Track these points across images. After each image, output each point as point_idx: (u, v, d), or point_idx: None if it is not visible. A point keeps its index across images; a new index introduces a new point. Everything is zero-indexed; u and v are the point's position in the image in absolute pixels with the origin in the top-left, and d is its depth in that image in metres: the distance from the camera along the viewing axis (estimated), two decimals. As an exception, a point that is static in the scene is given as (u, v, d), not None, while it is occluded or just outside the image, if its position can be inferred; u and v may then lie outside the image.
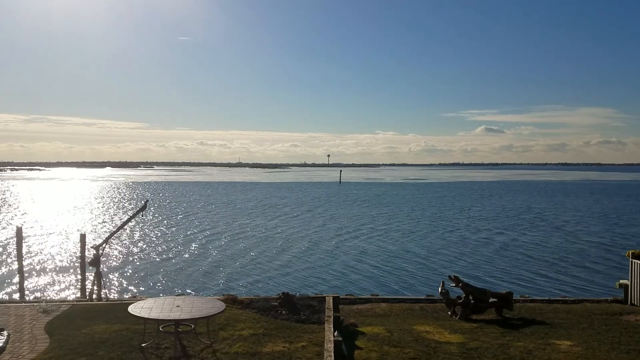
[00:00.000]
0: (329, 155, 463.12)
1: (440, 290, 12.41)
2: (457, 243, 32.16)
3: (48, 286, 20.93)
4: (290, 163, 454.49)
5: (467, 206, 59.61)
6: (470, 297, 11.98)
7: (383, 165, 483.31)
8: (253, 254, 28.12)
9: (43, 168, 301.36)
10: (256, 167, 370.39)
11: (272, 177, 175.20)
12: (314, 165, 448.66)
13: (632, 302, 12.99)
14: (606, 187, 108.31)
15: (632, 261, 13.06)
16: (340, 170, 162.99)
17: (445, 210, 54.71)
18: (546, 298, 14.62)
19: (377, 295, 14.98)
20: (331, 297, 12.19)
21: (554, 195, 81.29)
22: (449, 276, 12.56)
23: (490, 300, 12.09)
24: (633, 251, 13.37)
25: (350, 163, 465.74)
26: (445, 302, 12.35)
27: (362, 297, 14.34)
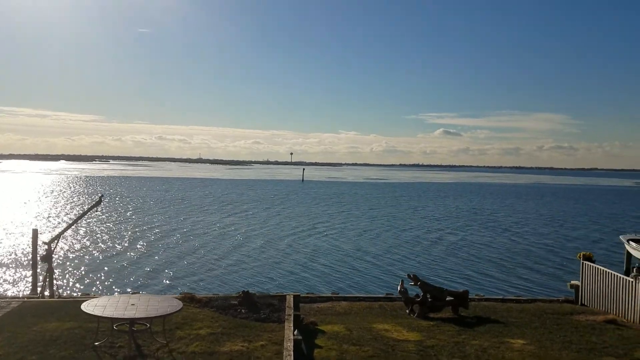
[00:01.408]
0: (291, 154, 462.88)
1: (399, 288, 12.55)
2: (415, 242, 32.70)
3: (-4, 283, 20.03)
4: (253, 160, 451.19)
5: (425, 207, 60.70)
6: (428, 296, 12.17)
7: (345, 164, 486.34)
8: (212, 252, 27.76)
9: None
10: (217, 163, 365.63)
11: (234, 174, 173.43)
12: (276, 163, 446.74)
13: (583, 302, 13.49)
14: (558, 190, 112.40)
15: (582, 263, 13.57)
16: (303, 169, 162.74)
17: (404, 210, 55.53)
18: (500, 297, 15.02)
19: (338, 293, 15.03)
20: (292, 296, 12.14)
21: (507, 197, 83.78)
22: (408, 275, 12.72)
23: (447, 298, 12.31)
24: (584, 253, 13.90)
25: (313, 162, 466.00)
26: (403, 301, 12.50)
27: (323, 295, 14.36)
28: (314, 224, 40.62)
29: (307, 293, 15.02)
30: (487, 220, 46.84)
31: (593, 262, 13.42)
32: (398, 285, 12.73)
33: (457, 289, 14.05)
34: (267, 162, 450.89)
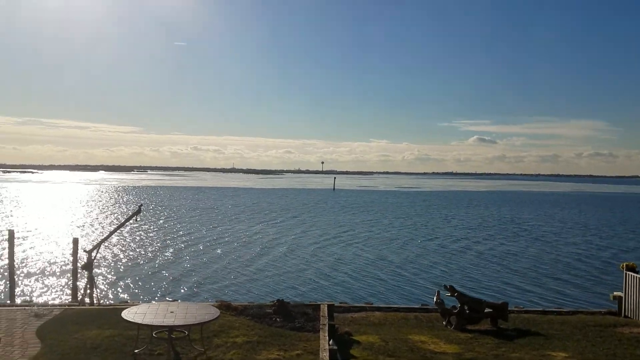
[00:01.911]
0: (322, 163, 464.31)
1: (435, 299, 12.37)
2: (449, 252, 32.20)
3: (40, 290, 20.73)
4: (284, 169, 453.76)
5: (459, 215, 59.77)
6: (466, 307, 11.95)
7: (377, 173, 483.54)
8: (244, 260, 28.01)
9: (36, 171, 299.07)
10: (250, 172, 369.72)
11: (266, 183, 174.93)
12: (307, 172, 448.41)
13: (626, 314, 13.01)
14: (597, 199, 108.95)
15: (626, 273, 13.11)
16: (334, 178, 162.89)
17: (437, 219, 54.82)
18: (540, 309, 14.62)
19: (372, 303, 14.92)
20: (326, 305, 12.13)
21: (545, 206, 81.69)
22: (445, 286, 12.54)
23: (485, 310, 12.07)
24: (627, 263, 13.42)
25: (344, 170, 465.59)
26: (440, 312, 12.31)
27: (357, 305, 14.28)
28: (344, 233, 40.56)
29: (341, 303, 14.96)
30: (524, 230, 45.77)
31: (637, 272, 12.95)
32: (434, 296, 12.56)
33: (495, 301, 13.76)
34: (299, 171, 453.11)
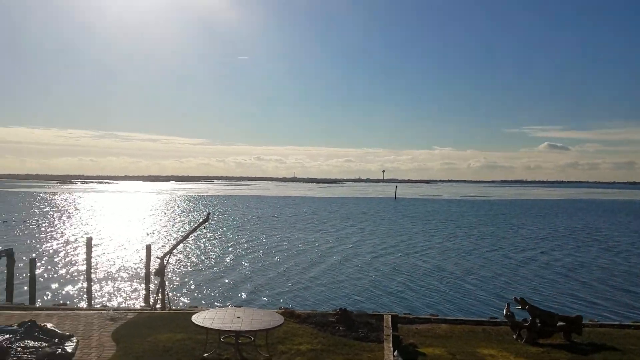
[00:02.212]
0: (384, 171, 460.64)
1: (505, 312, 11.93)
2: (518, 263, 30.95)
3: (115, 294, 21.87)
4: (345, 178, 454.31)
5: (529, 225, 57.35)
6: (537, 320, 11.44)
7: (440, 181, 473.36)
8: (306, 268, 28.24)
9: (111, 181, 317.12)
10: (311, 182, 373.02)
11: (326, 192, 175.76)
12: (368, 180, 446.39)
13: None
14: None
15: None
16: (396, 186, 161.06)
17: (505, 228, 52.88)
18: (617, 322, 13.75)
19: (437, 315, 14.59)
20: (389, 316, 11.99)
21: (621, 215, 76.81)
22: (515, 298, 12.06)
23: (558, 324, 11.50)
24: None
25: (406, 179, 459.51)
26: (510, 325, 11.85)
27: (421, 316, 14.01)
28: (404, 242, 40.03)
29: (405, 314, 14.75)
30: (599, 240, 43.25)
31: None
32: (504, 309, 12.11)
33: (568, 314, 13.08)
34: (359, 180, 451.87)
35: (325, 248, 36.19)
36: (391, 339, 10.22)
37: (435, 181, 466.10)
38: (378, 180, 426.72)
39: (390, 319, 11.69)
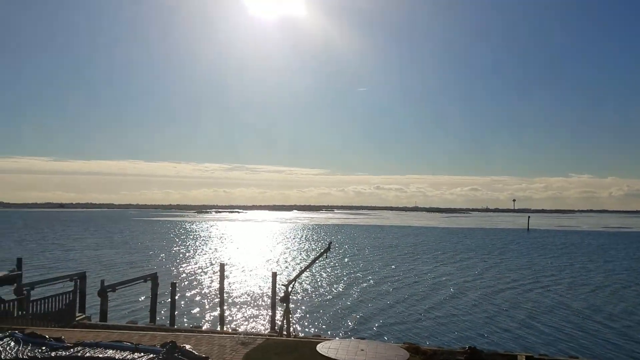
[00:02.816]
0: (514, 200, 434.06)
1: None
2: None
3: (244, 319, 22.95)
4: (470, 208, 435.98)
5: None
6: None
7: (578, 211, 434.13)
8: (429, 300, 27.32)
9: (241, 210, 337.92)
10: (433, 211, 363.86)
11: (450, 222, 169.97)
12: (497, 210, 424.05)
13: None
14: None
15: None
16: (529, 217, 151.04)
17: (659, 265, 46.74)
18: None
19: (577, 357, 13.23)
20: (524, 356, 11.10)
21: None
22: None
23: None
24: None
25: (540, 209, 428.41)
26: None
27: (560, 358, 12.79)
28: (538, 277, 37.06)
29: (541, 354, 13.56)
30: None
31: None
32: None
33: None
34: (487, 210, 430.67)
35: (448, 281, 34.81)
36: (526, 383, 9.44)
37: (573, 211, 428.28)
38: (508, 210, 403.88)
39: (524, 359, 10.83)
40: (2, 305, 13.48)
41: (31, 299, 14.06)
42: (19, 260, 25.61)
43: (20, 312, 13.27)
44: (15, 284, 18.75)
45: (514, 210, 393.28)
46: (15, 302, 13.70)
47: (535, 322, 22.71)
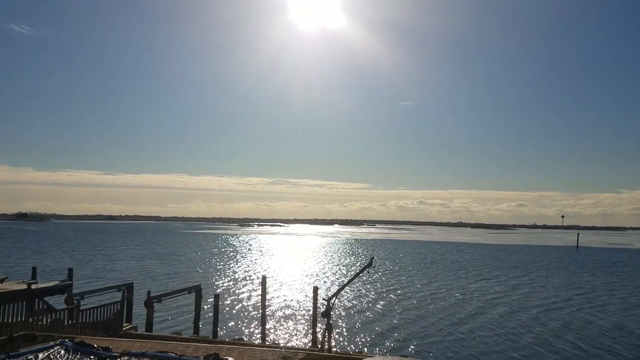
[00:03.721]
0: (563, 217, 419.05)
1: None
2: None
3: (285, 332, 22.96)
4: (517, 224, 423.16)
5: None
6: None
7: (631, 229, 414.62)
8: (477, 319, 26.52)
9: (283, 224, 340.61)
10: (478, 227, 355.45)
11: (496, 238, 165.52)
12: (545, 227, 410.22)
13: None
14: None
15: None
16: (578, 234, 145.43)
17: None
18: None
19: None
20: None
21: None
22: None
23: None
24: None
25: (590, 225, 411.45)
26: None
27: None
28: (579, 296, 35.98)
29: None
30: None
31: None
32: None
33: None
34: (534, 226, 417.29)
35: (492, 298, 33.82)
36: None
37: (625, 228, 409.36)
38: (556, 227, 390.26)
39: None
40: (53, 315, 14.01)
41: (81, 308, 14.54)
42: (70, 271, 26.58)
43: (70, 321, 13.73)
44: (66, 294, 19.44)
45: (562, 227, 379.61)
46: (66, 312, 14.19)
47: (566, 343, 21.84)
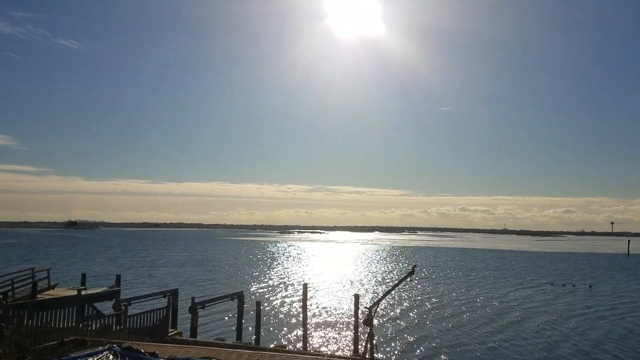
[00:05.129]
0: (612, 223, 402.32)
1: None
2: None
3: (327, 340, 22.86)
4: (564, 231, 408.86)
5: None
6: None
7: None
8: (522, 328, 25.70)
9: (323, 231, 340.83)
10: (524, 234, 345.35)
11: (542, 245, 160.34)
12: (593, 233, 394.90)
13: None
14: None
15: None
16: (629, 240, 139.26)
17: None
18: None
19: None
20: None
21: None
22: None
23: None
24: None
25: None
26: None
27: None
28: (623, 305, 34.49)
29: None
30: None
31: None
32: None
33: None
34: (582, 233, 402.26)
35: (530, 307, 32.70)
36: None
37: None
38: (605, 234, 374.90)
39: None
40: (102, 320, 14.40)
41: (128, 314, 14.89)
42: (118, 277, 27.34)
43: (118, 327, 14.08)
44: (114, 300, 19.98)
45: (612, 234, 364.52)
46: (114, 317, 14.57)
47: (602, 353, 20.93)
